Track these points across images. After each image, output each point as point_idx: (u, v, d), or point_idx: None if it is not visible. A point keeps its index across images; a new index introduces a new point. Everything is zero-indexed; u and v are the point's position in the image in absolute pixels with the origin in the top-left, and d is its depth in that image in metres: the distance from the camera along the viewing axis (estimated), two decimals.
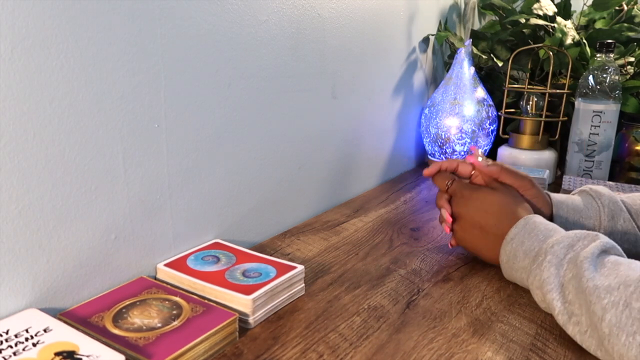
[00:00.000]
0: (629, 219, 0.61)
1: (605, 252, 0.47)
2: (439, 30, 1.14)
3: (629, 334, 0.40)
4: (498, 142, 1.08)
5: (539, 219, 0.55)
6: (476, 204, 0.60)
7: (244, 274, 0.53)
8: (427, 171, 0.66)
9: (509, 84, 1.06)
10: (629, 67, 1.01)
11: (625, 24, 1.04)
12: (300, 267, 0.55)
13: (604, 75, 0.92)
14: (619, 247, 0.48)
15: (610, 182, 0.92)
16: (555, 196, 0.64)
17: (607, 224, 0.61)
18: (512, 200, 0.59)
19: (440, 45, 1.14)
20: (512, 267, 0.55)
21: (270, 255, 0.59)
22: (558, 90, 1.00)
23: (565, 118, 1.01)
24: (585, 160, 0.97)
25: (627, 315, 0.40)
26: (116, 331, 0.44)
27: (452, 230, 0.64)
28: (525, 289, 0.57)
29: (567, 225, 0.61)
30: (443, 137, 1.06)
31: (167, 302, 0.49)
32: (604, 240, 0.48)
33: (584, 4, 1.14)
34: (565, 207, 0.63)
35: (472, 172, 0.65)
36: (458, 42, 1.08)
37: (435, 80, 1.18)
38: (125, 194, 0.52)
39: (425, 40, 1.09)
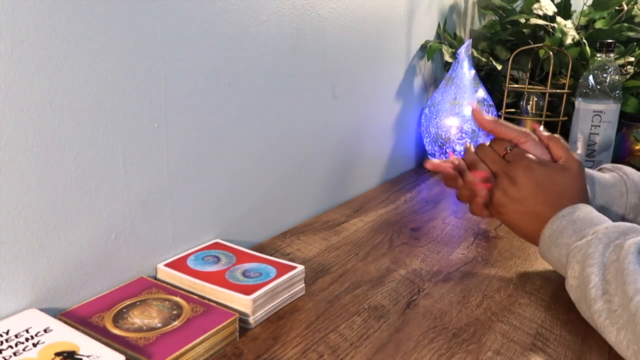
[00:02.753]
0: None
1: None
2: (437, 32, 1.14)
3: None
4: None
5: (593, 209, 0.54)
6: (539, 177, 0.55)
7: (244, 274, 0.53)
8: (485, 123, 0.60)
9: (509, 84, 1.06)
10: (629, 67, 1.01)
11: (625, 24, 1.04)
12: (300, 267, 0.54)
13: (604, 75, 0.92)
14: None
15: None
16: None
17: (634, 188, 0.60)
18: (576, 185, 0.56)
19: (430, 60, 1.11)
20: (554, 241, 0.53)
21: (271, 255, 0.59)
22: (558, 90, 1.00)
23: (565, 118, 1.01)
24: (586, 160, 0.97)
25: None
26: (116, 331, 0.44)
27: (489, 191, 0.58)
28: (526, 289, 0.57)
29: (595, 195, 0.60)
30: (443, 137, 1.06)
31: (167, 302, 0.49)
32: None
33: (584, 4, 1.14)
34: (590, 179, 0.60)
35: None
36: (450, 56, 1.08)
37: (435, 80, 1.18)
38: (125, 194, 0.52)
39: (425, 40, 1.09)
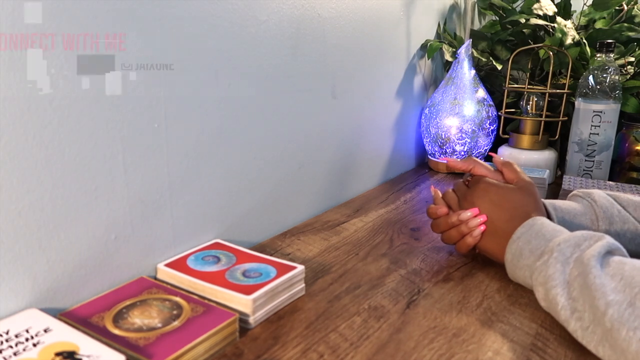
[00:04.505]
0: (621, 209, 0.63)
1: (610, 252, 0.48)
2: (437, 32, 1.14)
3: (629, 329, 0.40)
4: (498, 142, 1.08)
5: (546, 220, 0.56)
6: (493, 197, 0.60)
7: (244, 274, 0.53)
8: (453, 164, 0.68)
9: (508, 84, 1.06)
10: (629, 67, 1.01)
11: (625, 24, 1.04)
12: (300, 267, 0.54)
13: (604, 75, 0.92)
14: (623, 249, 0.49)
15: (611, 182, 0.92)
16: (546, 201, 0.65)
17: (603, 215, 0.62)
18: (530, 200, 0.60)
19: (430, 59, 1.12)
20: (517, 265, 0.55)
21: (271, 255, 0.59)
22: (558, 90, 1.00)
23: (565, 118, 1.01)
24: (585, 160, 0.97)
25: (629, 313, 0.41)
26: (116, 331, 0.44)
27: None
28: (527, 289, 0.57)
29: (565, 226, 0.62)
30: (443, 137, 1.06)
31: (167, 302, 0.49)
32: (609, 240, 0.48)
33: (584, 4, 1.14)
34: (560, 209, 0.63)
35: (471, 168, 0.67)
36: (450, 55, 1.08)
37: (435, 79, 1.18)
38: (125, 194, 0.52)
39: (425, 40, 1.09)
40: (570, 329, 0.46)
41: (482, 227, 0.60)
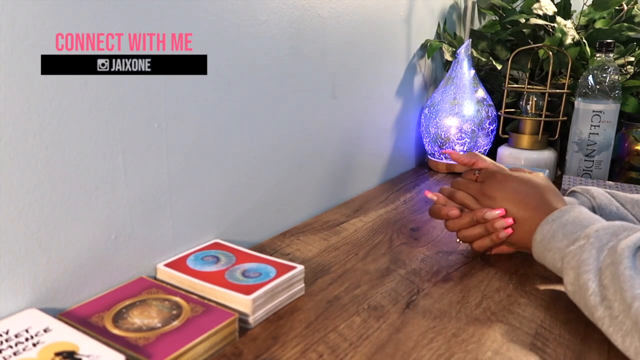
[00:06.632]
0: (619, 205, 0.62)
1: None
2: (437, 32, 1.14)
3: None
4: (498, 142, 1.08)
5: (584, 209, 0.55)
6: (514, 185, 0.59)
7: (243, 274, 0.53)
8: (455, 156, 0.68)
9: (508, 83, 1.06)
10: (628, 66, 1.01)
11: (625, 24, 1.04)
12: (300, 267, 0.55)
13: (604, 75, 0.92)
14: None
15: (610, 182, 0.92)
16: None
17: (601, 211, 0.62)
18: (550, 186, 0.59)
19: (430, 59, 1.12)
20: (546, 246, 0.53)
21: (270, 255, 0.59)
22: (558, 90, 1.00)
23: (565, 118, 1.01)
24: (585, 160, 0.97)
25: None
26: (116, 331, 0.44)
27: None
28: (526, 289, 0.57)
29: None
30: (443, 137, 1.06)
31: (167, 302, 0.49)
32: None
33: (584, 4, 1.14)
34: None
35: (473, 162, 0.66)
36: (450, 54, 1.08)
37: (435, 79, 1.18)
38: (125, 194, 0.52)
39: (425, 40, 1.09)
40: (597, 317, 0.45)
41: (509, 231, 0.59)
